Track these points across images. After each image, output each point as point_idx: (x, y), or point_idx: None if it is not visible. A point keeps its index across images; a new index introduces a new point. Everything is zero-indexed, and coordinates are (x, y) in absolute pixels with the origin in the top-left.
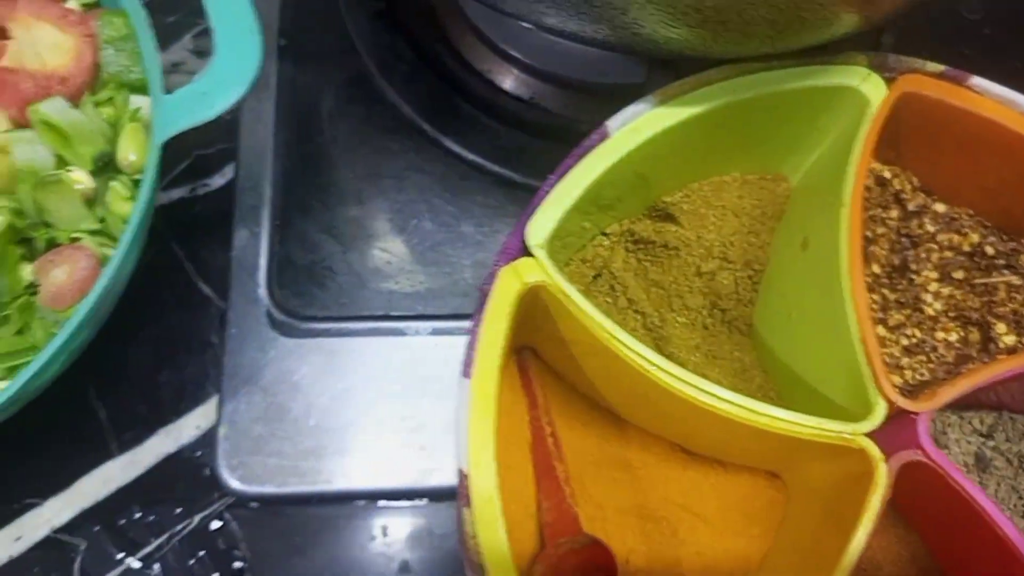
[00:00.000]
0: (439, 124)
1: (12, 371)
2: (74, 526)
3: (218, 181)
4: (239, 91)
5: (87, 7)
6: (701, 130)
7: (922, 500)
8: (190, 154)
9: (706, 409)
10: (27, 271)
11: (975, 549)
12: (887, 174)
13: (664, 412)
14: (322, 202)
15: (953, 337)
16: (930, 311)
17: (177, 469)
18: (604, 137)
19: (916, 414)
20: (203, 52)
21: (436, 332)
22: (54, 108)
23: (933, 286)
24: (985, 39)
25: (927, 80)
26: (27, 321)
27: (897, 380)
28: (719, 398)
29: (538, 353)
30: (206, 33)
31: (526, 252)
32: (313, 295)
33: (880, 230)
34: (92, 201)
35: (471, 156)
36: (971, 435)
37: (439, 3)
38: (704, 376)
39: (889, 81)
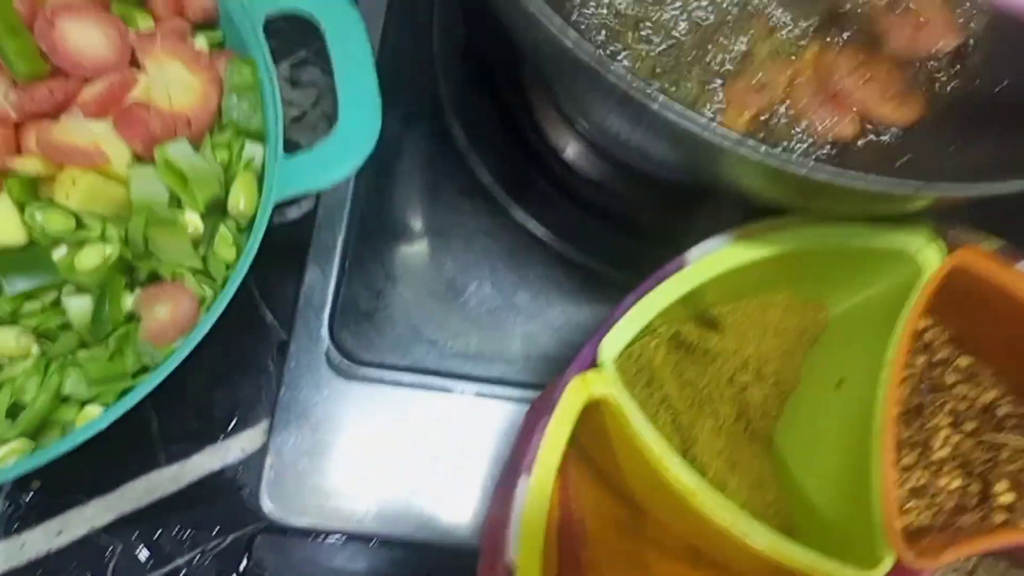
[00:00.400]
0: (511, 192)
1: (100, 395)
2: (113, 529)
3: (294, 213)
4: (355, 164)
5: (214, 47)
6: (765, 265)
7: None
8: None
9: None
10: (128, 300)
11: None
12: (922, 325)
13: (689, 521)
14: (392, 251)
15: (955, 485)
16: (936, 456)
17: (218, 487)
18: (681, 267)
19: (920, 572)
20: (297, 82)
21: (480, 395)
22: (179, 151)
23: (943, 433)
24: None
25: (980, 256)
26: (122, 348)
27: (901, 523)
28: (751, 532)
29: (575, 439)
30: (303, 63)
31: (594, 361)
32: (371, 340)
33: (905, 373)
34: (198, 242)
35: (536, 229)
36: (952, 574)
37: (529, 75)
38: (724, 483)
39: (942, 247)
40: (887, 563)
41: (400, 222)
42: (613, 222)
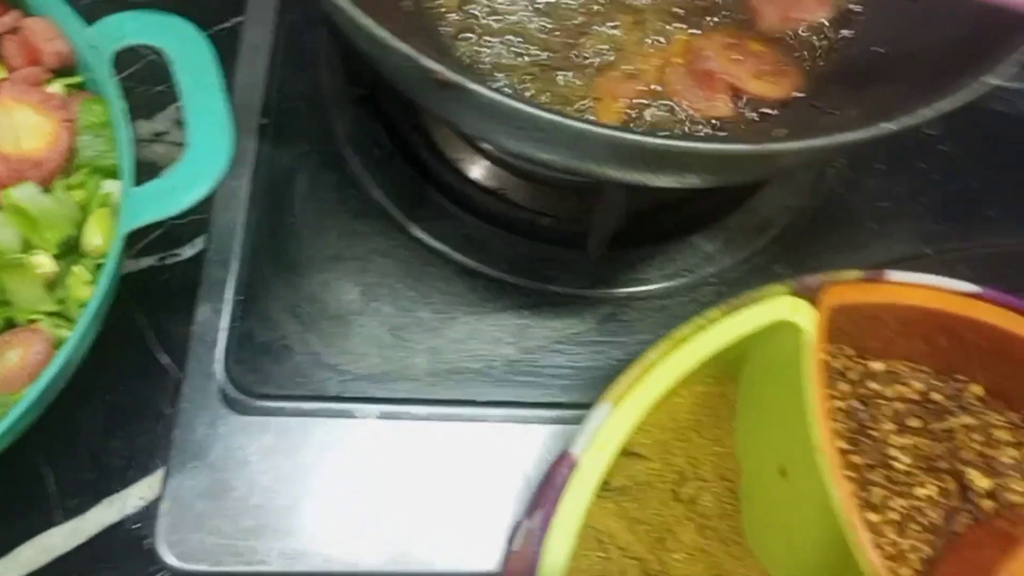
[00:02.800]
0: (407, 210)
1: None
2: None
3: (188, 252)
4: (205, 189)
5: (71, 88)
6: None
7: None
8: (163, 223)
9: None
10: None
11: None
12: (825, 356)
13: None
14: (287, 281)
15: (933, 491)
16: (900, 466)
17: (118, 540)
18: (572, 467)
19: None
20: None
21: (384, 416)
22: (25, 194)
23: (894, 439)
24: (941, 155)
25: (848, 288)
26: None
27: (906, 572)
28: None
29: None
30: None
31: None
32: (269, 372)
33: (834, 405)
34: (53, 283)
35: (435, 243)
36: None
37: None
38: None
39: (813, 299)
40: None
41: (294, 252)
42: (511, 228)
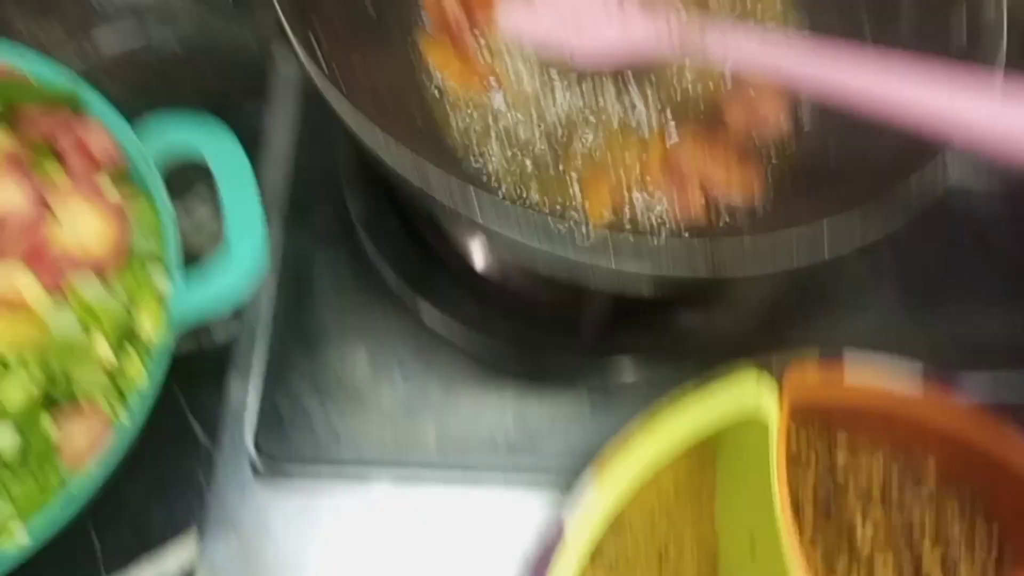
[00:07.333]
0: (414, 291)
1: (27, 518)
2: None
3: (221, 337)
4: (245, 295)
5: (121, 182)
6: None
7: None
8: None
9: None
10: (46, 423)
11: None
12: (790, 445)
13: None
14: (310, 360)
15: (889, 570)
16: (860, 537)
17: None
18: (560, 533)
19: None
20: None
21: (397, 479)
22: (88, 289)
23: (858, 519)
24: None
25: (810, 379)
26: (45, 473)
27: None
28: None
29: None
30: None
31: None
32: (292, 444)
33: (805, 474)
34: (109, 370)
35: (439, 327)
36: None
37: None
38: None
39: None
40: None
41: (315, 333)
42: (513, 317)
